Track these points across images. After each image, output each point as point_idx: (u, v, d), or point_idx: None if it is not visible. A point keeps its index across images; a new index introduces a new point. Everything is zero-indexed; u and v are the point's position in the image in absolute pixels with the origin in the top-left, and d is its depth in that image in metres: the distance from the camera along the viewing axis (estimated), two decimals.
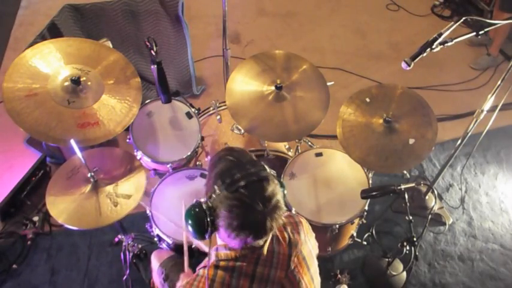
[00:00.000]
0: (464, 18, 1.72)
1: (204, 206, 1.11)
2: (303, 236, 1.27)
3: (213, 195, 1.10)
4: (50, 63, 1.78)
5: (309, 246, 1.30)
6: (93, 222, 1.75)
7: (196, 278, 1.18)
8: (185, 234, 1.67)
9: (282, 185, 1.16)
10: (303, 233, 1.28)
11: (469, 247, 2.54)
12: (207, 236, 1.14)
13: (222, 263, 1.17)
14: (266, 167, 1.16)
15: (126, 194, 1.83)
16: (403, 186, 1.82)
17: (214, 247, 1.21)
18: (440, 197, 2.75)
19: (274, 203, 1.10)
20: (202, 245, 1.72)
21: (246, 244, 1.13)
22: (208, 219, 1.10)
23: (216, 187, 1.10)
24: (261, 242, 1.15)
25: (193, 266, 1.53)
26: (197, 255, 1.85)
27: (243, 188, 1.07)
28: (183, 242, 1.65)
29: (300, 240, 1.25)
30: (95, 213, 1.76)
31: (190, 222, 1.13)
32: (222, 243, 1.19)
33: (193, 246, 1.80)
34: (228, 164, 1.13)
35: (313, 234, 1.37)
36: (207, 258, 1.25)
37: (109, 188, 1.84)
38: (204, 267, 1.19)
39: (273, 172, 1.16)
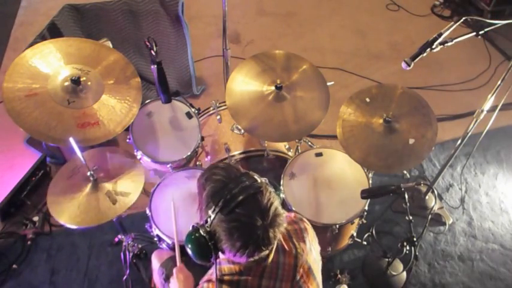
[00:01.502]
0: (464, 18, 1.72)
1: (202, 231, 1.07)
2: (308, 245, 1.25)
3: (209, 220, 1.06)
4: (50, 63, 1.78)
5: (314, 254, 1.27)
6: (92, 220, 1.75)
7: None
8: (176, 231, 1.65)
9: (276, 188, 1.13)
10: (308, 241, 1.26)
11: (469, 247, 2.54)
12: (212, 260, 1.10)
13: (226, 278, 1.14)
14: (256, 176, 1.11)
15: (124, 191, 1.83)
16: (403, 186, 1.82)
17: (218, 261, 1.17)
18: (440, 197, 2.75)
19: (272, 212, 1.06)
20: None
21: (253, 257, 1.09)
22: (210, 244, 1.07)
23: (209, 212, 1.06)
24: (266, 251, 1.12)
25: (194, 268, 1.53)
26: None
27: (237, 207, 1.03)
28: (175, 239, 1.62)
29: (305, 249, 1.23)
30: (94, 211, 1.77)
31: (191, 247, 1.09)
32: (225, 258, 1.16)
33: None
34: (216, 184, 1.08)
35: (317, 239, 1.35)
36: (210, 271, 1.22)
37: (108, 186, 1.85)
38: (208, 281, 1.17)
39: (264, 179, 1.12)
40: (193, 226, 1.10)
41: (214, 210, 1.05)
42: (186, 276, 1.47)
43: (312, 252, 1.26)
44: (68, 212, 1.76)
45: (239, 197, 1.04)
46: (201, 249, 1.09)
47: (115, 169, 1.92)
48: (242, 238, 1.04)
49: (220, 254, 1.14)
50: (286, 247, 1.20)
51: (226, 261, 1.16)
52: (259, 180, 1.10)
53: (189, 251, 1.11)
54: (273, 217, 1.06)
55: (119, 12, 2.77)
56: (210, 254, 1.09)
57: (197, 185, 1.15)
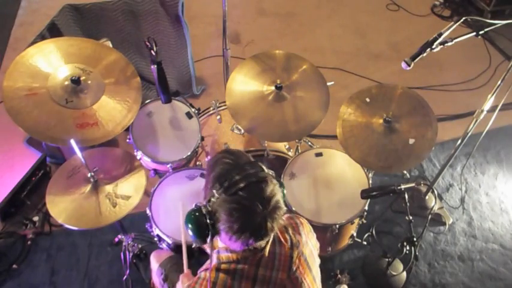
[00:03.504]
0: (464, 18, 1.72)
1: (204, 210, 1.10)
2: (304, 237, 1.27)
3: (212, 199, 1.09)
4: (50, 62, 1.77)
5: (310, 246, 1.30)
6: (92, 222, 1.75)
7: (198, 280, 1.17)
8: (183, 234, 1.66)
9: (281, 185, 1.15)
10: (304, 234, 1.28)
11: (469, 247, 2.54)
12: (208, 240, 1.13)
13: (223, 266, 1.16)
14: (264, 167, 1.15)
15: (125, 195, 1.83)
16: (403, 186, 1.82)
17: (215, 250, 1.20)
18: (440, 197, 2.75)
19: (273, 203, 1.09)
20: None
21: (248, 246, 1.12)
22: (209, 223, 1.09)
23: (214, 191, 1.09)
24: (262, 243, 1.15)
25: (193, 267, 1.53)
26: (197, 256, 1.85)
27: (241, 190, 1.06)
28: (182, 243, 1.64)
29: (301, 241, 1.25)
30: (94, 213, 1.77)
31: (190, 226, 1.12)
32: (224, 246, 1.18)
33: (193, 246, 1.81)
34: (225, 166, 1.12)
35: (314, 235, 1.37)
36: (208, 261, 1.24)
37: (109, 188, 1.85)
38: (206, 269, 1.19)
39: (271, 172, 1.15)
40: (196, 205, 1.13)
41: (219, 190, 1.08)
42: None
43: (308, 245, 1.28)
44: (68, 212, 1.76)
45: (244, 181, 1.07)
46: (199, 227, 1.11)
47: (115, 170, 1.92)
48: (240, 221, 1.07)
49: (219, 242, 1.17)
50: (282, 239, 1.23)
51: (224, 250, 1.18)
52: (266, 171, 1.14)
53: (189, 231, 1.13)
54: (273, 208, 1.09)
55: (119, 12, 2.77)
56: (207, 233, 1.11)
57: (206, 167, 1.20)
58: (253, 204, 1.06)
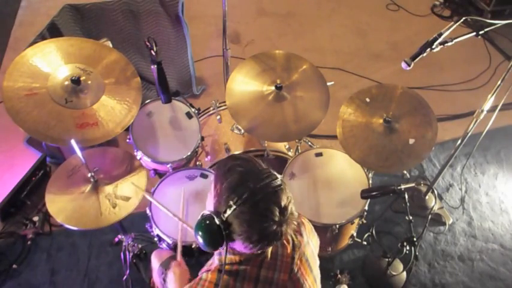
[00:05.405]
0: (464, 18, 1.72)
1: (218, 221, 1.06)
2: (305, 238, 1.27)
3: (228, 210, 1.05)
4: (50, 62, 1.77)
5: (311, 247, 1.30)
6: (92, 223, 1.75)
7: (199, 281, 1.17)
8: (180, 225, 1.65)
9: None
10: (305, 234, 1.28)
11: (469, 247, 2.54)
12: (221, 249, 1.11)
13: (226, 267, 1.15)
14: (275, 172, 1.12)
15: (125, 195, 1.83)
16: (403, 186, 1.82)
17: (217, 251, 1.18)
18: (440, 197, 2.75)
19: (289, 210, 1.09)
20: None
21: (262, 250, 1.11)
22: (224, 234, 1.06)
23: (231, 202, 1.05)
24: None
25: (193, 267, 1.53)
26: (197, 255, 1.85)
27: (261, 201, 1.05)
28: (179, 235, 1.64)
29: (302, 242, 1.25)
30: (94, 214, 1.76)
31: (203, 235, 1.09)
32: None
33: (192, 246, 1.81)
34: (239, 176, 1.08)
35: (315, 234, 1.37)
36: (209, 262, 1.24)
37: (108, 189, 1.84)
38: (208, 271, 1.18)
39: (281, 176, 1.13)
40: (203, 214, 1.10)
41: (237, 201, 1.05)
42: (182, 270, 1.50)
43: (310, 245, 1.28)
44: (67, 212, 1.76)
45: (263, 192, 1.05)
46: (212, 237, 1.08)
47: (115, 170, 1.92)
48: (261, 232, 1.06)
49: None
50: (284, 240, 1.22)
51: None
52: (279, 177, 1.12)
53: (199, 239, 1.10)
54: (290, 215, 1.09)
55: (119, 12, 2.77)
56: (220, 242, 1.09)
57: (215, 174, 1.15)
58: (272, 215, 1.05)
